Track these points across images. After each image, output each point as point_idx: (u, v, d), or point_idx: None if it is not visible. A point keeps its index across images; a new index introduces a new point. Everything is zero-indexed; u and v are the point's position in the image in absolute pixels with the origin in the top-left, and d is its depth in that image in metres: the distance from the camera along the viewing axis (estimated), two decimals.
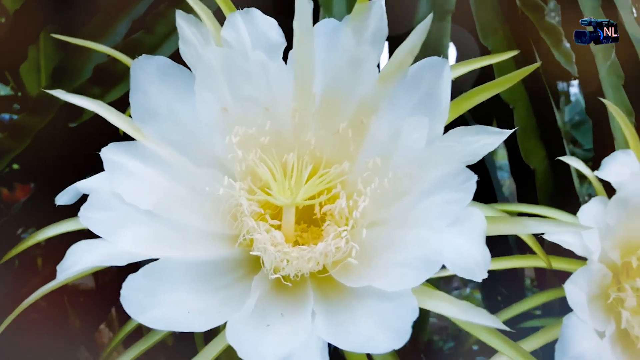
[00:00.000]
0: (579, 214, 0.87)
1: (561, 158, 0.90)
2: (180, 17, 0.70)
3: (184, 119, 0.75)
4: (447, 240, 0.67)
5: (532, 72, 0.76)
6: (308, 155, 0.78)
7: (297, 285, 0.75)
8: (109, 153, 0.71)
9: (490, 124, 1.47)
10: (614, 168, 0.91)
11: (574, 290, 0.85)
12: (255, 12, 0.73)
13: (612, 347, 0.87)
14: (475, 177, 0.66)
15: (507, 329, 0.66)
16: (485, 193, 1.53)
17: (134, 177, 0.72)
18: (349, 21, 0.72)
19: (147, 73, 0.72)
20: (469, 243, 0.66)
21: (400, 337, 0.62)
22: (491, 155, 1.69)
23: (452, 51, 1.55)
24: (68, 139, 1.20)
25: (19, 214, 1.36)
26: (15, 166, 1.51)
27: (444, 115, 0.71)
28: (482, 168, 1.54)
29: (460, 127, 0.68)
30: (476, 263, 0.65)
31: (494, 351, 0.86)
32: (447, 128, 0.71)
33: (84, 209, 0.68)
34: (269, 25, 0.73)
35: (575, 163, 0.89)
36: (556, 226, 0.74)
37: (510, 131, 0.66)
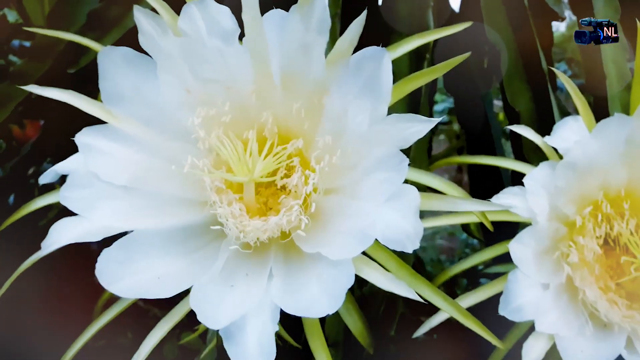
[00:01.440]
0: (525, 179, 0.93)
1: (512, 127, 0.95)
2: (138, 11, 0.76)
3: (151, 98, 0.82)
4: (381, 214, 0.75)
5: None
6: (268, 133, 0.84)
7: (263, 247, 0.85)
8: (83, 137, 0.79)
9: None
10: (563, 134, 0.96)
11: (518, 249, 0.93)
12: (209, 2, 0.77)
13: (556, 298, 0.95)
14: (407, 160, 0.73)
15: (418, 298, 0.75)
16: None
17: (108, 156, 0.81)
18: (297, 10, 0.76)
19: (112, 61, 0.78)
20: (400, 217, 0.73)
21: (336, 303, 0.71)
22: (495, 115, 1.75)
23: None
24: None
25: (30, 153, 1.46)
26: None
27: (386, 98, 0.76)
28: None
29: (397, 114, 0.74)
30: (407, 235, 0.73)
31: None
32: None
33: (63, 189, 0.77)
34: (223, 14, 0.78)
35: (524, 131, 0.94)
36: (480, 205, 0.81)
37: (437, 120, 0.72)
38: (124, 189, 0.81)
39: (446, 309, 0.84)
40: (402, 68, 1.29)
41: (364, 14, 0.72)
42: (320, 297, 0.73)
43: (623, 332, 0.94)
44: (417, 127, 0.73)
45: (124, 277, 0.74)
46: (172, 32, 0.78)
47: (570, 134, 0.95)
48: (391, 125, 0.75)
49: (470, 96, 1.63)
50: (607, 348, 0.92)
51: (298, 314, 0.72)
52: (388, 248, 0.75)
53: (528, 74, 1.31)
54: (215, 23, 0.78)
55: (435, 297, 0.84)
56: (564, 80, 0.93)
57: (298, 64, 0.80)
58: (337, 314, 0.76)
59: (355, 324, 0.96)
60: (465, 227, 1.48)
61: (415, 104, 1.22)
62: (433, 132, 1.56)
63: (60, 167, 0.78)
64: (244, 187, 0.82)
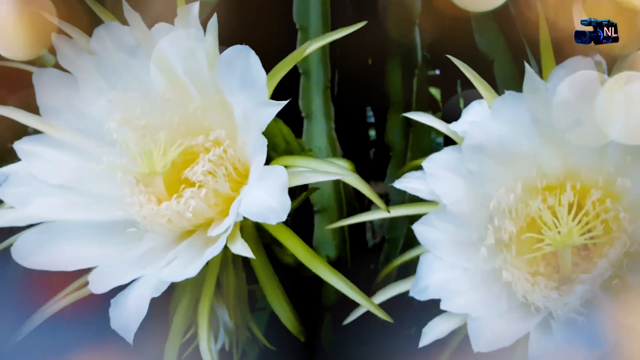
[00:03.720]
0: (424, 162, 0.96)
1: (409, 115, 1.00)
2: (55, 39, 0.92)
3: (82, 110, 0.97)
4: (250, 191, 0.83)
5: None
6: (175, 132, 0.97)
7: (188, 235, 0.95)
8: (22, 145, 0.95)
9: None
10: (466, 118, 0.98)
11: (425, 230, 0.96)
12: (114, 24, 0.93)
13: (472, 278, 0.95)
14: (266, 142, 0.82)
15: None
16: None
17: (45, 161, 0.96)
18: (177, 21, 0.89)
19: (42, 81, 0.95)
20: (266, 193, 0.81)
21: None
22: None
23: None
24: None
25: None
26: None
27: (262, 89, 0.86)
28: None
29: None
30: (271, 209, 0.81)
31: None
32: None
33: (3, 187, 0.93)
34: (126, 32, 0.92)
35: (424, 118, 0.98)
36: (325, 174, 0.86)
37: (284, 102, 0.81)
38: (59, 187, 0.96)
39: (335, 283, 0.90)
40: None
41: (214, 17, 0.84)
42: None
43: (540, 312, 0.92)
44: (271, 110, 0.82)
45: (38, 254, 0.87)
46: (86, 52, 0.94)
47: (473, 117, 0.97)
48: (256, 111, 0.84)
49: None
50: (518, 328, 0.90)
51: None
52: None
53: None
54: (120, 41, 0.93)
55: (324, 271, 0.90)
56: (463, 68, 0.97)
57: (194, 68, 0.92)
58: None
59: (285, 314, 1.03)
60: None
61: None
62: None
63: (4, 170, 0.95)
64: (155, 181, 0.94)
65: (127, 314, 0.79)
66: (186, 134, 0.96)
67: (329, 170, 0.91)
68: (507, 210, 0.96)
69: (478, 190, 0.96)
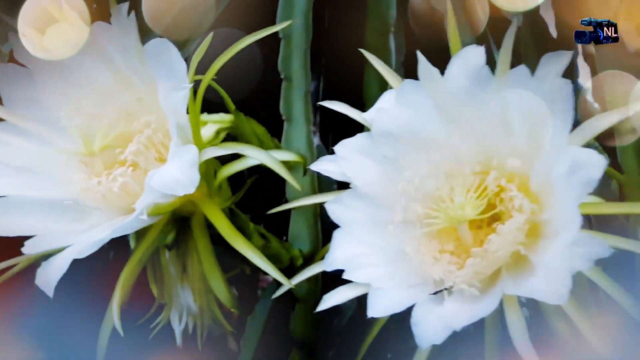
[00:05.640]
0: (336, 146, 1.04)
1: (323, 103, 1.09)
2: (11, 36, 1.06)
3: (39, 101, 1.11)
4: (164, 168, 0.94)
5: None
6: (118, 120, 1.09)
7: None
8: None
9: None
10: (377, 106, 1.06)
11: (337, 209, 1.04)
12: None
13: (378, 253, 1.02)
14: (176, 126, 0.93)
15: None
16: None
17: (7, 146, 1.10)
18: (112, 20, 1.02)
19: (5, 74, 1.10)
20: (175, 167, 0.92)
21: None
22: None
23: None
24: None
25: None
26: None
27: (183, 80, 0.97)
28: None
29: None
30: (177, 182, 0.91)
31: None
32: None
33: None
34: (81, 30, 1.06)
35: (337, 107, 1.07)
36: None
37: (191, 85, 0.92)
38: (18, 169, 1.09)
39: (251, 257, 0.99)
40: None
41: (132, 14, 0.96)
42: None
43: (438, 285, 0.98)
44: (179, 94, 0.93)
45: None
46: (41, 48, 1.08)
47: (381, 105, 1.05)
48: (173, 96, 0.96)
49: None
50: (413, 297, 0.96)
51: None
52: None
53: None
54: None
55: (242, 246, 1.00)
56: (372, 59, 1.05)
57: (132, 62, 1.05)
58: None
59: (220, 289, 1.13)
60: None
61: None
62: None
63: None
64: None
65: (49, 271, 0.91)
66: (127, 120, 1.08)
67: (252, 154, 1.02)
68: (414, 190, 1.03)
69: (389, 173, 1.04)
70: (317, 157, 1.19)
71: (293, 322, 1.36)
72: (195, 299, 1.28)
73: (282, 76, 1.35)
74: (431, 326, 0.89)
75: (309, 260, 1.35)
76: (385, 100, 1.05)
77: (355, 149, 1.04)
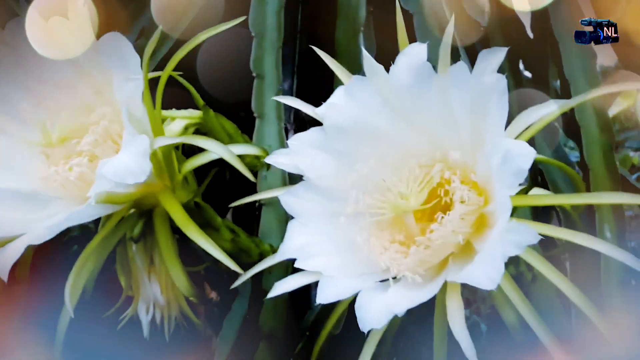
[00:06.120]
0: (289, 140, 1.08)
1: (277, 98, 1.12)
2: None
3: (6, 96, 1.14)
4: (117, 157, 0.97)
5: None
6: (78, 112, 1.12)
7: None
8: None
9: None
10: (329, 101, 1.10)
11: (291, 200, 1.07)
12: (23, 20, 1.10)
13: (329, 242, 1.06)
14: (128, 115, 0.97)
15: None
16: None
17: None
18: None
19: None
20: (126, 156, 0.96)
21: None
22: None
23: None
24: None
25: None
26: None
27: (136, 71, 1.01)
28: None
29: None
30: (128, 170, 0.95)
31: None
32: None
33: None
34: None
35: (292, 102, 1.11)
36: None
37: (140, 76, 0.95)
38: None
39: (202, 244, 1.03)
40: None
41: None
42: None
43: (385, 272, 1.01)
44: (130, 84, 0.97)
45: None
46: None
47: (332, 100, 1.09)
48: (123, 87, 0.99)
49: None
50: (360, 285, 0.99)
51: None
52: None
53: None
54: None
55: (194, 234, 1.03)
56: (323, 56, 1.09)
57: (88, 57, 1.08)
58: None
59: (179, 277, 1.16)
60: None
61: None
62: None
63: None
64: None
65: (4, 257, 0.94)
66: (86, 112, 1.12)
67: (208, 146, 1.06)
68: (364, 182, 1.07)
69: (341, 165, 1.07)
70: None
71: (262, 315, 1.40)
72: (162, 291, 1.31)
73: (254, 74, 1.38)
74: (373, 310, 0.92)
75: None
76: (336, 96, 1.09)
77: (308, 143, 1.07)
